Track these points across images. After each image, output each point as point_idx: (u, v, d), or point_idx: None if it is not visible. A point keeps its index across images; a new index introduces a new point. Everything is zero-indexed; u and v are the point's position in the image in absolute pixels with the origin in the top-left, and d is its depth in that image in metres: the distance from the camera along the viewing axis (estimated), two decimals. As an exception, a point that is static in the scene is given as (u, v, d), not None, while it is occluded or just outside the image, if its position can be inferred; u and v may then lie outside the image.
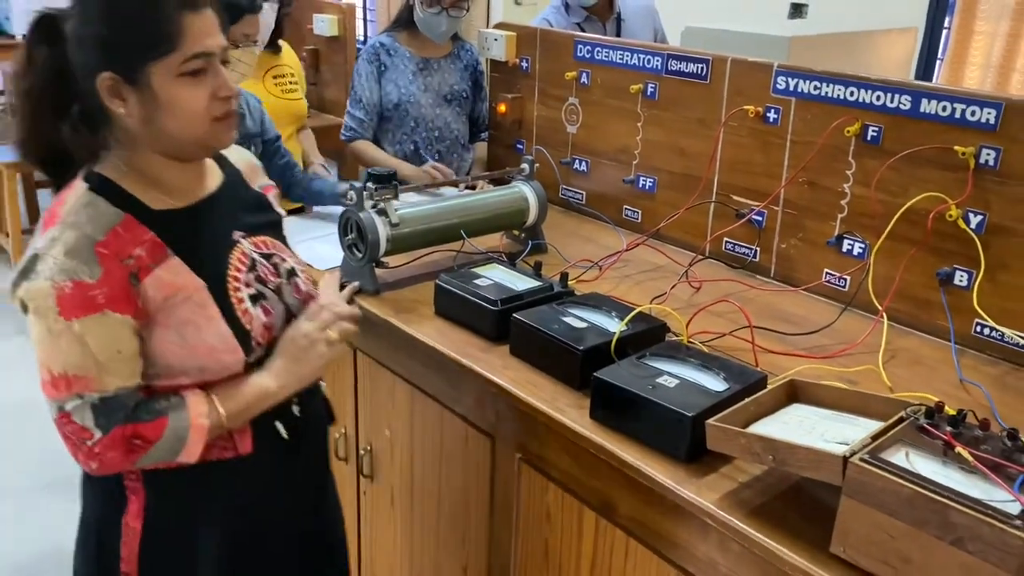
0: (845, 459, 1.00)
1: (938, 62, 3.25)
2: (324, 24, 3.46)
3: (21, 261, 1.11)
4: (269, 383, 1.22)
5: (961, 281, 1.58)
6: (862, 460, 0.99)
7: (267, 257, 1.28)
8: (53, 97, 1.13)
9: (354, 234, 1.73)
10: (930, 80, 3.26)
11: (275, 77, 2.52)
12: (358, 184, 1.72)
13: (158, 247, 1.14)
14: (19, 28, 5.26)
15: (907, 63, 2.32)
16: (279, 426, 1.28)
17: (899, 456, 1.01)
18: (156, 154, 1.17)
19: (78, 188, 1.15)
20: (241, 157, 1.37)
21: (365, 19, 6.37)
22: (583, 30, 2.56)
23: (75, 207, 1.12)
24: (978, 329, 1.57)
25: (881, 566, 0.99)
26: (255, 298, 1.23)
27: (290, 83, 2.57)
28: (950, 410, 1.08)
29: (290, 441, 1.29)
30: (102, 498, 1.25)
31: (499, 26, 2.45)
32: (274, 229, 1.34)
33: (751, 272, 1.92)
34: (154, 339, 1.15)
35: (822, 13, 3.70)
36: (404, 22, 2.50)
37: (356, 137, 2.47)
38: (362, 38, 6.09)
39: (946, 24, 3.21)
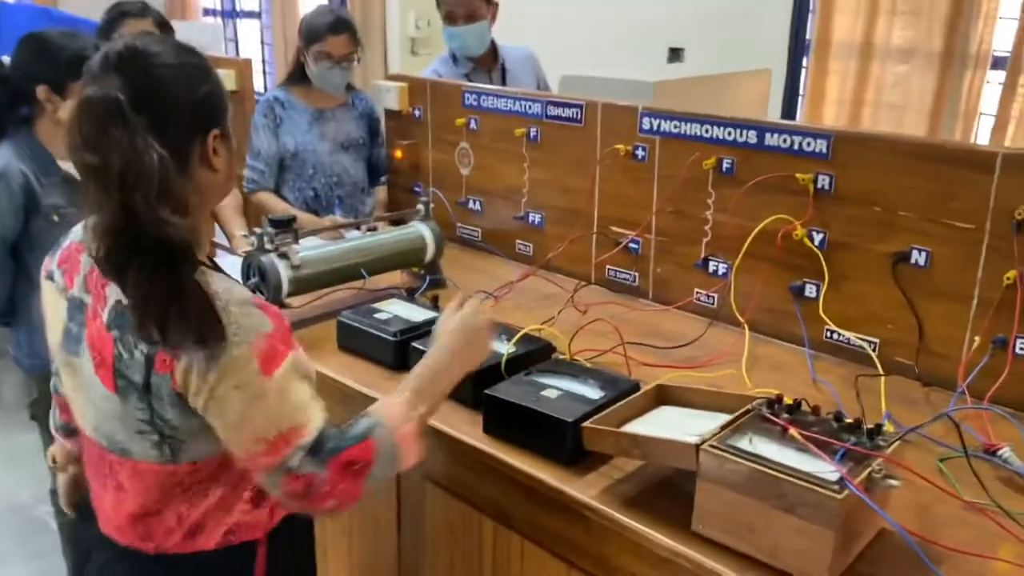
0: (697, 447, 1.15)
1: (800, 99, 3.55)
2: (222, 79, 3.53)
3: (199, 353, 1.05)
4: (448, 361, 1.30)
5: (811, 293, 1.78)
6: (711, 447, 1.14)
7: None
8: (149, 167, 1.05)
9: (256, 277, 1.82)
10: (793, 117, 3.56)
11: None
12: (258, 230, 1.82)
13: (279, 312, 1.17)
14: None
15: (764, 101, 2.56)
16: None
17: (743, 441, 1.17)
18: (212, 206, 1.27)
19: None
20: None
21: (264, 72, 6.45)
22: (470, 79, 2.73)
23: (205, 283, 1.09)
24: (828, 335, 1.76)
25: (732, 538, 1.14)
26: None
27: None
28: (788, 400, 1.25)
29: None
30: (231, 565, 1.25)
31: (392, 77, 2.60)
32: None
33: (632, 295, 2.09)
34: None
35: (696, 57, 4.01)
36: (296, 77, 2.61)
37: (258, 188, 2.56)
38: (262, 90, 6.16)
39: (804, 64, 3.52)
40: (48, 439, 2.18)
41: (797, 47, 3.54)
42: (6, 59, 2.08)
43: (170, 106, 1.10)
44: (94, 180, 1.05)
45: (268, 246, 1.81)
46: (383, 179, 2.76)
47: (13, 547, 2.71)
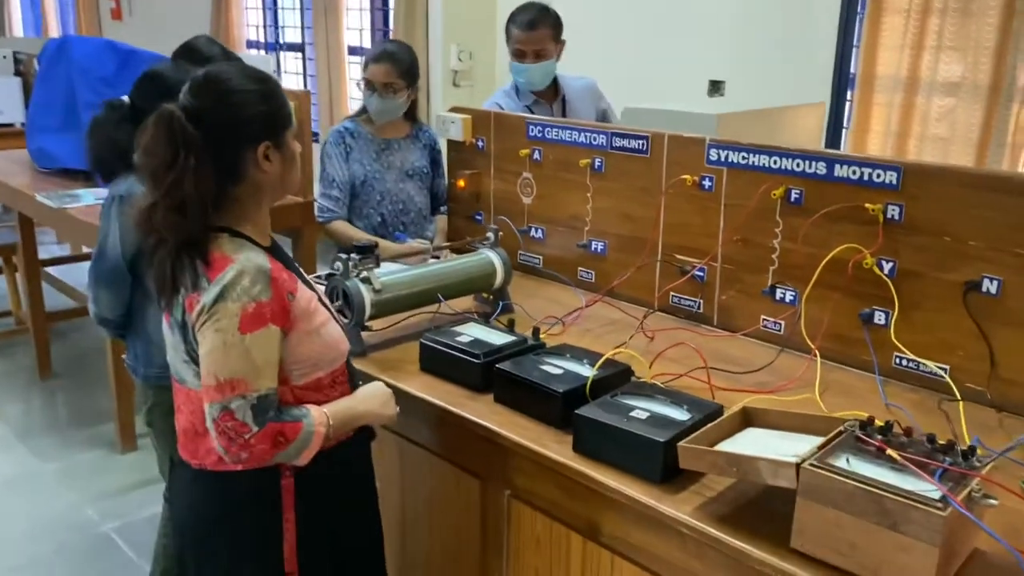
0: (798, 466, 1.19)
1: (844, 131, 3.61)
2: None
3: (209, 294, 1.37)
4: (358, 407, 1.55)
5: (880, 320, 1.82)
6: (812, 465, 1.18)
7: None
8: (210, 170, 1.38)
9: (340, 300, 1.89)
10: (838, 147, 3.62)
11: None
12: (344, 255, 1.89)
13: (288, 271, 1.46)
14: None
15: (818, 133, 2.62)
16: None
17: (841, 461, 1.21)
18: (269, 203, 1.50)
19: (219, 237, 1.42)
20: None
21: (309, 103, 6.58)
22: (531, 111, 2.81)
23: (235, 250, 1.41)
24: (897, 361, 1.80)
25: (833, 554, 1.18)
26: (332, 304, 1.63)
27: None
28: (879, 422, 1.29)
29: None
30: (255, 500, 1.48)
31: (455, 110, 2.68)
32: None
33: (696, 322, 2.13)
34: (304, 345, 1.45)
35: (737, 90, 4.07)
36: (364, 109, 2.71)
37: (333, 217, 2.65)
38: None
39: (848, 97, 3.58)
40: (163, 446, 2.26)
41: (841, 80, 3.60)
42: (125, 98, 2.19)
43: (224, 122, 1.40)
44: (146, 176, 1.40)
45: (352, 271, 1.88)
46: (443, 208, 2.83)
47: (81, 565, 2.77)
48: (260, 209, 1.49)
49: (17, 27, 10.92)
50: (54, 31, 9.88)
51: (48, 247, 4.58)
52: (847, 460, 1.21)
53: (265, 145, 1.43)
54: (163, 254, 1.40)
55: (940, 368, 1.74)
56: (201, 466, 1.50)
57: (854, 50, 3.55)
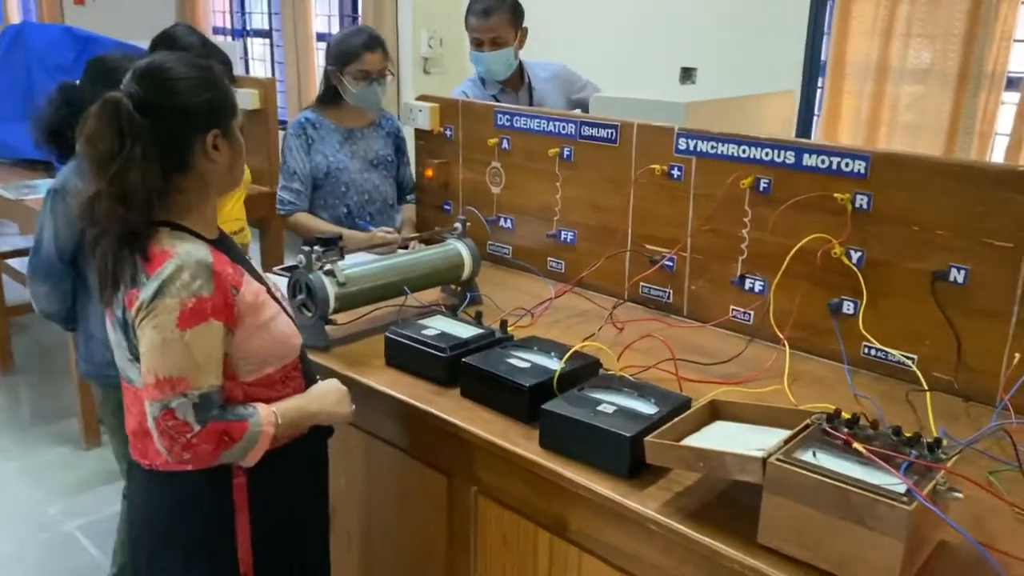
0: (764, 460, 1.18)
1: (815, 119, 3.61)
2: (246, 98, 3.57)
3: (147, 290, 1.32)
4: (311, 406, 1.50)
5: (848, 310, 1.81)
6: (778, 460, 1.17)
7: (262, 273, 1.58)
8: (156, 160, 1.33)
9: (304, 294, 1.85)
10: (809, 136, 3.61)
11: None
12: (307, 248, 1.85)
13: (233, 265, 1.41)
14: None
15: (789, 122, 2.61)
16: None
17: (808, 455, 1.20)
18: (215, 194, 1.46)
19: (162, 233, 1.37)
20: None
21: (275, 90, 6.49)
22: (497, 100, 2.77)
23: (174, 244, 1.36)
24: (866, 351, 1.80)
25: (800, 549, 1.16)
26: (283, 297, 1.57)
27: None
28: (847, 415, 1.28)
29: None
30: (206, 499, 1.45)
31: (422, 98, 2.64)
32: (244, 259, 1.59)
33: (667, 312, 2.12)
34: (252, 340, 1.41)
35: (709, 77, 4.06)
36: (327, 99, 2.65)
37: (295, 210, 2.59)
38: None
39: (820, 84, 3.57)
40: (116, 442, 2.23)
41: (812, 68, 3.60)
42: (76, 83, 2.15)
43: (172, 111, 1.36)
44: (90, 165, 1.35)
45: (315, 264, 1.84)
46: (410, 197, 2.79)
47: (43, 564, 2.71)
48: (207, 201, 1.45)
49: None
50: (15, 16, 9.65)
51: (10, 239, 4.47)
52: (814, 454, 1.20)
53: (214, 133, 1.39)
54: (104, 247, 1.36)
55: (908, 358, 1.74)
56: (152, 466, 1.45)
57: (825, 37, 3.54)
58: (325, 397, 1.54)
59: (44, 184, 3.42)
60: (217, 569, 1.47)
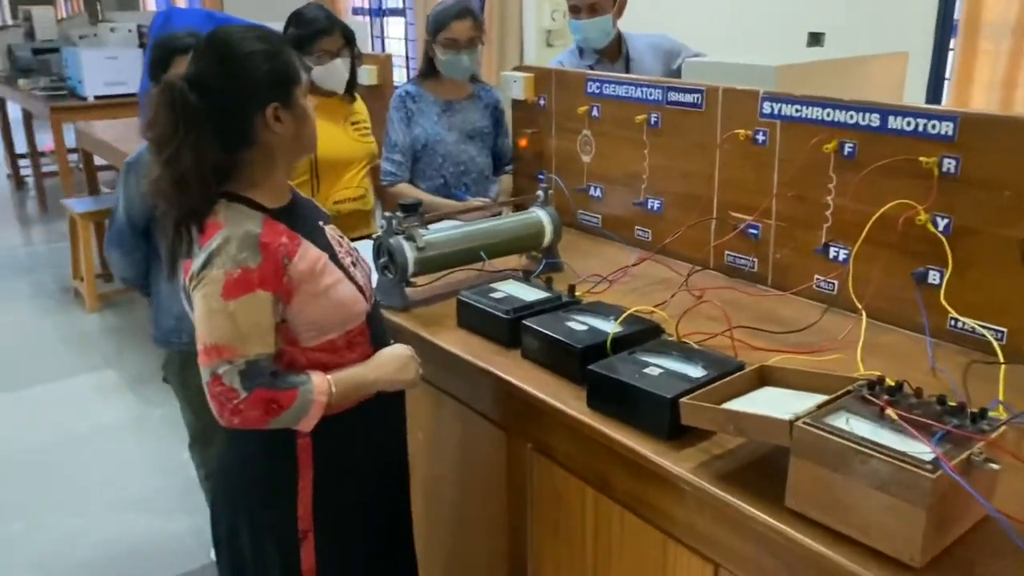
0: (791, 423, 1.16)
1: (946, 83, 3.38)
2: (364, 74, 3.73)
3: (198, 260, 1.38)
4: (369, 375, 1.52)
5: (934, 280, 1.72)
6: (804, 423, 1.15)
7: (341, 238, 1.61)
8: (211, 137, 1.39)
9: (386, 257, 1.95)
10: (939, 101, 3.39)
11: (353, 123, 2.73)
12: (389, 214, 1.94)
13: (292, 235, 1.44)
14: (91, 91, 5.69)
15: (899, 86, 2.46)
16: None
17: (839, 420, 1.17)
18: (284, 163, 1.49)
19: (221, 204, 1.42)
20: None
21: (408, 67, 6.71)
22: (595, 70, 2.77)
23: (227, 216, 1.41)
24: (952, 323, 1.71)
25: (825, 515, 1.15)
26: (353, 264, 1.57)
27: (364, 127, 2.78)
28: (891, 382, 1.24)
29: None
30: (271, 459, 1.52)
31: (518, 68, 2.68)
32: (330, 221, 1.64)
33: (751, 281, 2.08)
34: (310, 307, 1.44)
35: (837, 41, 3.87)
36: (425, 72, 2.74)
37: (396, 180, 2.71)
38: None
39: (952, 46, 3.34)
40: (181, 400, 2.46)
41: (944, 28, 3.36)
42: None
43: (227, 87, 1.39)
44: (150, 147, 1.44)
45: (396, 229, 1.93)
46: (507, 168, 2.85)
47: (177, 502, 3.00)
48: (273, 171, 1.47)
49: (151, 1, 11.56)
50: (182, 3, 10.39)
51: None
52: (846, 420, 1.17)
53: (273, 107, 1.41)
54: (166, 223, 1.42)
55: (995, 331, 1.64)
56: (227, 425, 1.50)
57: (959, -6, 3.30)
58: (384, 366, 1.54)
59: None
60: (278, 526, 1.53)
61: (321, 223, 1.57)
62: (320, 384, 1.43)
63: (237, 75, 1.40)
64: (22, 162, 7.55)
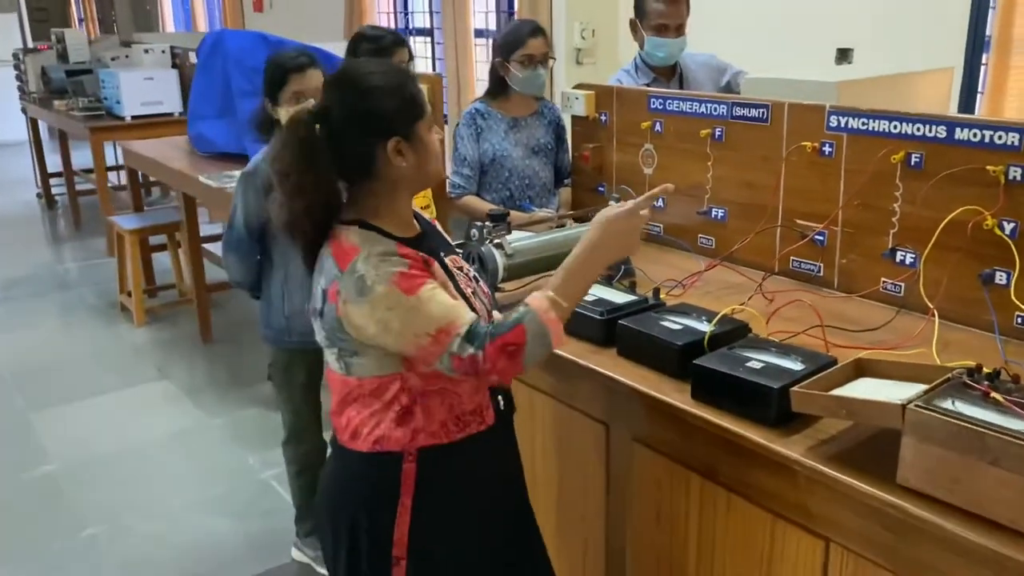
0: (903, 407, 1.28)
1: (979, 96, 3.51)
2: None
3: (348, 289, 1.41)
4: (589, 273, 1.51)
5: (1001, 280, 1.84)
6: (917, 406, 1.27)
7: (459, 269, 1.61)
8: (334, 169, 1.46)
9: (477, 264, 2.07)
10: (972, 113, 3.52)
11: None
12: (479, 223, 2.07)
13: (425, 258, 1.47)
14: (129, 111, 5.84)
15: (945, 100, 2.59)
16: (500, 399, 1.62)
17: (947, 403, 1.29)
18: (407, 195, 1.52)
19: (349, 230, 1.46)
20: None
21: (441, 85, 6.84)
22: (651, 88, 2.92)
23: (361, 240, 1.44)
24: (1019, 320, 1.82)
25: (937, 489, 1.26)
26: (473, 293, 1.58)
27: None
28: (988, 369, 1.36)
29: (505, 412, 1.64)
30: (374, 480, 1.53)
31: (579, 86, 2.81)
32: (452, 248, 1.69)
33: (817, 285, 2.20)
34: None
35: (866, 57, 4.01)
36: (495, 91, 2.88)
37: (464, 193, 2.84)
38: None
39: (984, 61, 3.48)
40: (282, 399, 2.58)
41: (976, 44, 3.50)
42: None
43: (349, 120, 1.44)
44: (275, 179, 1.49)
45: (486, 237, 2.05)
46: (567, 181, 2.98)
47: (245, 507, 3.10)
48: (396, 202, 1.50)
49: (169, 23, 11.74)
50: (202, 25, 10.57)
51: (207, 226, 5.00)
52: (952, 403, 1.29)
53: (395, 140, 1.43)
54: (299, 249, 1.51)
55: (1063, 327, 1.76)
56: (340, 442, 1.56)
57: (990, 11, 3.44)
58: (603, 248, 1.50)
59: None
60: (373, 546, 1.52)
61: (443, 254, 1.58)
62: (540, 305, 1.43)
63: (360, 109, 1.44)
64: (54, 181, 7.69)
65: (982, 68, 3.49)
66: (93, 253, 6.33)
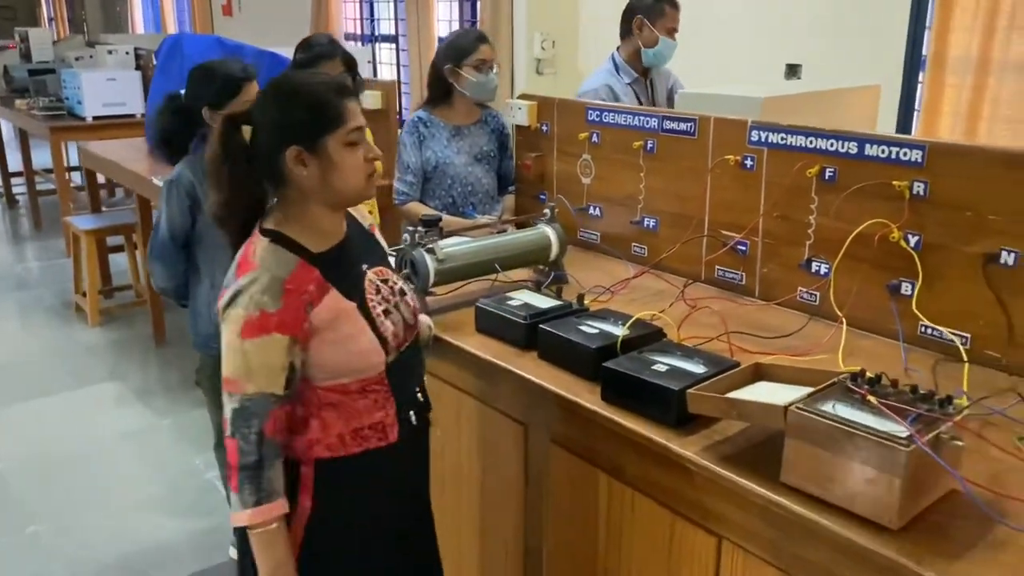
0: (786, 408, 1.35)
1: (916, 114, 3.62)
2: (368, 99, 3.92)
3: (226, 295, 1.45)
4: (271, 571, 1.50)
5: (906, 291, 1.92)
6: (797, 408, 1.34)
7: (384, 282, 1.62)
8: (250, 172, 1.50)
9: (408, 268, 2.12)
10: (909, 131, 3.63)
11: None
12: (411, 228, 2.12)
13: (322, 283, 1.48)
14: (91, 111, 5.83)
15: (873, 116, 2.69)
16: (411, 414, 1.64)
17: (828, 406, 1.36)
18: (320, 206, 1.51)
19: (261, 241, 1.49)
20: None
21: (400, 92, 6.90)
22: (633, 89, 3.15)
23: (263, 255, 1.47)
24: (922, 330, 1.91)
25: (814, 486, 1.33)
26: (386, 313, 1.58)
27: None
28: (870, 374, 1.43)
29: (417, 426, 1.66)
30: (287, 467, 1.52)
31: (522, 96, 2.88)
32: (384, 260, 1.70)
33: (740, 293, 2.27)
34: (323, 353, 1.48)
35: (814, 73, 4.12)
36: (436, 98, 2.93)
37: (408, 200, 2.90)
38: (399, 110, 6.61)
39: (920, 79, 3.59)
40: (210, 404, 2.62)
41: (913, 62, 3.61)
42: (182, 92, 2.48)
43: (264, 127, 1.48)
44: (207, 175, 1.55)
45: (418, 242, 2.11)
46: (511, 188, 3.04)
47: (188, 506, 3.13)
48: (308, 213, 1.51)
49: (139, 24, 11.70)
50: (172, 27, 10.55)
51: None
52: (833, 405, 1.36)
53: (296, 150, 1.45)
54: (228, 246, 1.55)
55: (961, 336, 1.84)
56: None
57: (926, 31, 3.55)
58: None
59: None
60: None
61: (365, 267, 1.59)
62: (251, 516, 1.45)
63: (270, 116, 1.47)
64: (15, 180, 7.64)
65: (919, 86, 3.60)
66: (53, 253, 6.31)
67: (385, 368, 1.57)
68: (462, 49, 2.83)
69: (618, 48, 3.25)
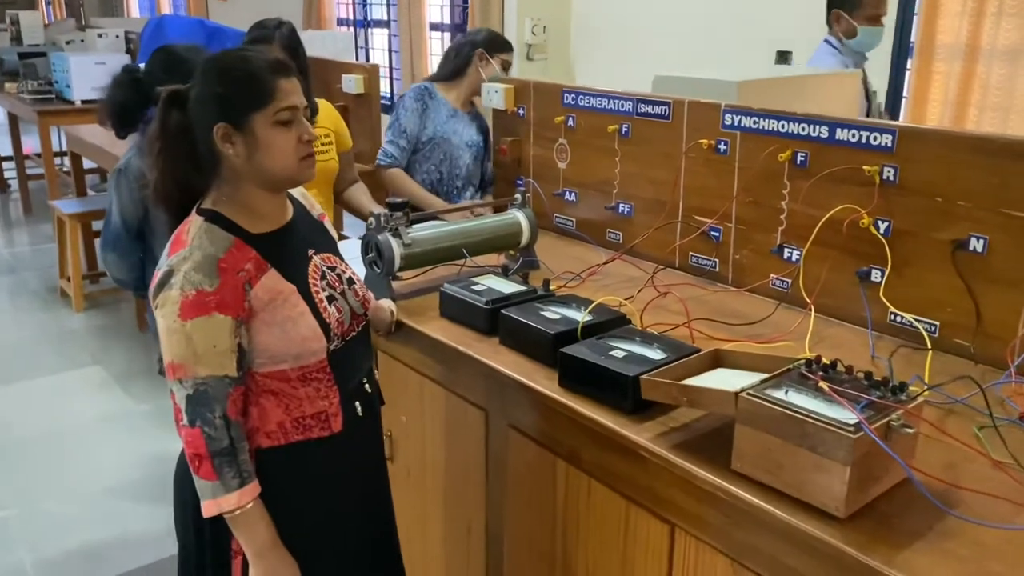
0: (736, 394, 1.32)
1: (903, 101, 3.59)
2: (351, 83, 3.88)
3: (157, 276, 1.41)
4: (258, 550, 1.48)
5: (876, 278, 1.89)
6: (748, 395, 1.31)
7: (331, 269, 1.60)
8: (184, 150, 1.46)
9: (374, 253, 2.09)
10: (897, 118, 3.60)
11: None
12: (377, 211, 2.09)
13: (260, 262, 1.45)
14: (79, 95, 5.79)
15: (853, 102, 2.65)
16: (357, 405, 1.61)
17: (780, 392, 1.33)
18: (254, 187, 1.47)
19: (196, 220, 1.46)
20: (300, 192, 1.69)
21: (391, 76, 6.86)
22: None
23: (197, 234, 1.43)
24: (892, 317, 1.88)
25: (764, 474, 1.30)
26: (330, 299, 1.55)
27: (322, 144, 2.79)
28: (826, 361, 1.40)
29: (364, 418, 1.62)
30: None
31: (496, 80, 2.84)
32: (332, 248, 1.66)
33: (713, 280, 2.24)
34: (262, 335, 1.45)
35: (805, 60, 4.08)
36: (445, 75, 2.94)
37: (394, 164, 2.88)
38: (387, 94, 6.57)
39: (908, 66, 3.55)
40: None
41: (901, 49, 3.58)
42: (142, 66, 2.43)
43: (195, 103, 1.45)
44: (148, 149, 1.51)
45: (384, 226, 2.08)
46: (490, 189, 3.04)
47: (160, 492, 3.09)
48: (241, 192, 1.48)
49: (134, 9, 11.65)
50: (167, 10, 10.50)
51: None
52: (786, 392, 1.33)
53: (222, 127, 1.42)
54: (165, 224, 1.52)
55: (929, 323, 1.81)
56: None
57: (915, 18, 3.51)
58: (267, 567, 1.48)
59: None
60: (216, 538, 1.52)
61: (311, 252, 1.57)
62: (239, 497, 1.42)
63: (204, 91, 1.44)
64: (6, 164, 7.61)
65: (907, 73, 3.56)
66: (41, 238, 6.29)
67: (327, 356, 1.53)
68: (501, 44, 3.00)
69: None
